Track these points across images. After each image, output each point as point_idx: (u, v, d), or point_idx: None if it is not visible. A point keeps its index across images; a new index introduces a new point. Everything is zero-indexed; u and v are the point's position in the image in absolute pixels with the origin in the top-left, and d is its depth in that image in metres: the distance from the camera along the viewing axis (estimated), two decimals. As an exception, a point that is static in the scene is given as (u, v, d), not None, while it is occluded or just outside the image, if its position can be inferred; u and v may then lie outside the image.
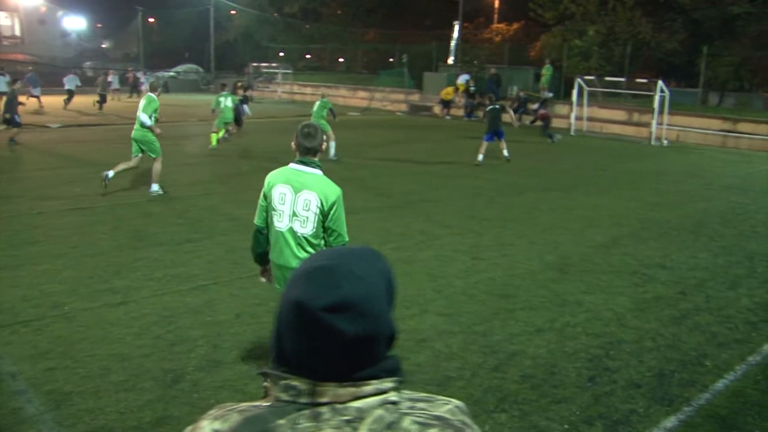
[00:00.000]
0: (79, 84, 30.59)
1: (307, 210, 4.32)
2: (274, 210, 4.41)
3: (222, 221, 9.96)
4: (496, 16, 48.51)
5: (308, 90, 40.75)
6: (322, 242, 4.46)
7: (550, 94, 28.80)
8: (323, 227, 4.40)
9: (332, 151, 15.90)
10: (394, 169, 15.50)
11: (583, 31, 31.64)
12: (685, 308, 7.00)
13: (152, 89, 11.89)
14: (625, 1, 30.79)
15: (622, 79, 27.21)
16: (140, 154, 11.73)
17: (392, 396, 1.20)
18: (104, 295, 6.80)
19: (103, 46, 63.56)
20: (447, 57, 36.41)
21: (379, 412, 1.17)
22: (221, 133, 18.09)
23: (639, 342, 6.07)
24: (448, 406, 1.25)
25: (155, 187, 11.68)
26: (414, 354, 5.62)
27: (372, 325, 1.18)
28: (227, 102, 17.52)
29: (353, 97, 36.91)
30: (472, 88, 30.13)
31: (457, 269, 8.01)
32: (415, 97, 34.61)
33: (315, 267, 1.22)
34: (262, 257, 4.78)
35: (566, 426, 4.59)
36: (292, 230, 4.39)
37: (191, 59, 52.61)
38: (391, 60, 43.31)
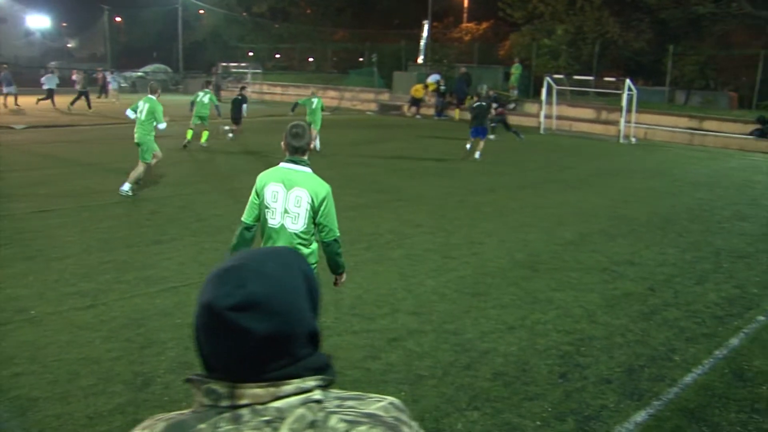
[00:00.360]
0: (59, 83, 30.08)
1: (299, 206, 4.46)
2: (267, 208, 4.52)
3: (192, 222, 9.87)
4: (465, 15, 48.66)
5: (278, 90, 40.59)
6: (313, 238, 4.62)
7: (512, 104, 28.91)
8: (314, 223, 4.54)
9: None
10: (364, 168, 15.49)
11: (551, 31, 31.91)
12: (654, 304, 7.09)
13: (152, 91, 11.84)
14: (593, 1, 31.10)
15: (590, 78, 27.47)
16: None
17: (316, 394, 1.18)
18: (72, 298, 6.69)
19: (69, 45, 62.62)
20: (416, 56, 36.47)
21: (300, 411, 1.15)
22: (204, 139, 18.11)
23: (609, 338, 6.13)
24: (380, 404, 1.23)
25: (126, 186, 11.46)
26: (386, 353, 5.62)
27: (284, 323, 1.17)
28: (204, 99, 17.90)
29: (323, 97, 36.46)
30: (443, 88, 30.23)
31: (428, 268, 8.02)
32: (385, 97, 34.63)
33: (224, 268, 1.21)
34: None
35: (538, 422, 4.61)
36: (284, 227, 4.51)
37: (159, 59, 52.06)
38: (360, 59, 43.30)
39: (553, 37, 31.59)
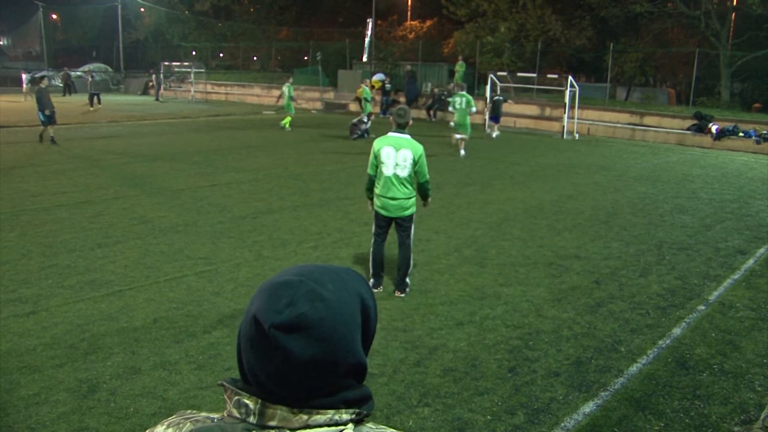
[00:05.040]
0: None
1: (405, 161, 6.72)
2: (383, 163, 6.75)
3: (136, 224, 9.67)
4: (409, 13, 48.88)
5: (222, 90, 40.16)
6: (413, 182, 6.86)
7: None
8: (414, 172, 6.77)
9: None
10: (310, 167, 15.40)
11: (494, 28, 32.22)
12: (600, 297, 7.21)
13: (461, 88, 18.31)
14: (534, -1, 31.55)
15: (533, 75, 27.82)
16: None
17: (349, 429, 1.12)
18: (11, 305, 6.49)
19: (0, 43, 60.80)
20: (361, 54, 36.42)
21: None
22: (286, 123, 23.44)
23: (556, 331, 6.21)
24: None
25: (463, 152, 17.54)
26: (336, 352, 5.58)
27: (329, 350, 1.10)
28: (286, 91, 23.60)
29: (267, 96, 36.50)
30: (388, 86, 30.26)
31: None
32: (330, 95, 34.50)
33: (278, 282, 1.14)
34: (370, 192, 7.08)
35: (489, 417, 4.65)
36: (396, 175, 6.74)
37: (99, 58, 50.97)
38: (305, 58, 43.07)
39: (497, 34, 31.91)
